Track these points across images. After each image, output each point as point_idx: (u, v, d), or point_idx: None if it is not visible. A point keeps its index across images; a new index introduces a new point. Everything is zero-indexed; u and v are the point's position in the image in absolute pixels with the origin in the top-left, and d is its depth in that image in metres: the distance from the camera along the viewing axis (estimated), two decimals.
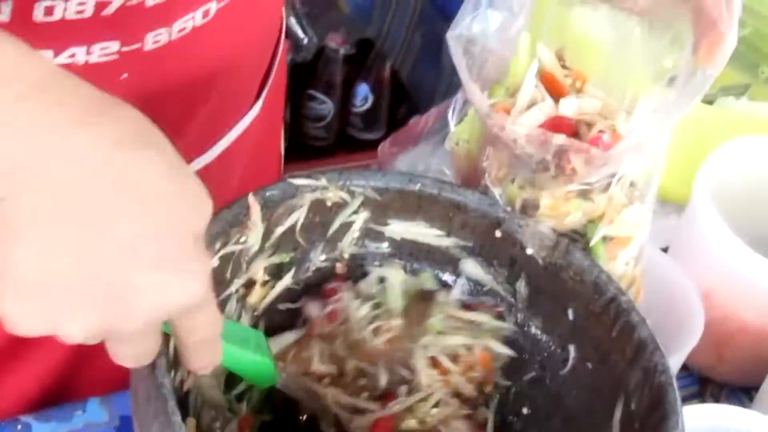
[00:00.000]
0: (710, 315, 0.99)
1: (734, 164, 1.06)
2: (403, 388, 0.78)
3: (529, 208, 0.76)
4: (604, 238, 0.77)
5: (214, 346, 0.61)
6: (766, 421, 0.89)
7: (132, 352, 0.57)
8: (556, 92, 0.77)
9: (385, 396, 0.78)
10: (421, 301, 0.79)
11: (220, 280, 0.71)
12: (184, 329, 0.58)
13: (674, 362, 0.91)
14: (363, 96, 2.25)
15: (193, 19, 0.83)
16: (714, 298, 1.01)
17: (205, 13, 0.84)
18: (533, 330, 0.79)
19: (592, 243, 0.76)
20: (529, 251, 0.78)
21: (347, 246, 0.78)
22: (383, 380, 0.77)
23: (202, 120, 0.93)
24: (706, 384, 1.08)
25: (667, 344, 0.76)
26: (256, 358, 0.69)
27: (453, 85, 1.42)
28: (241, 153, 1.00)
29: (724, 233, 0.99)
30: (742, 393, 1.06)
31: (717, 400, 1.05)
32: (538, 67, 0.77)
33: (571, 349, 0.78)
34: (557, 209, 0.76)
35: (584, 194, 0.76)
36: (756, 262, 0.98)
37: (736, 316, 1.02)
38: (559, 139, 0.73)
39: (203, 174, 0.93)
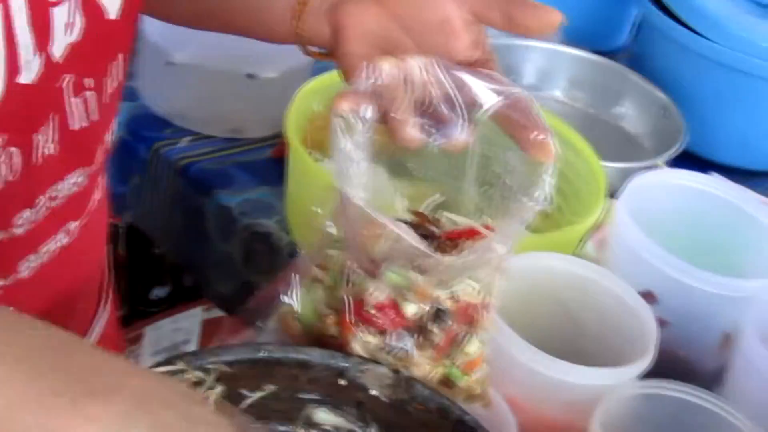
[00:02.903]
0: (518, 418, 1.08)
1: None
2: None
3: None
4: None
5: None
6: None
7: None
8: None
9: None
10: None
11: None
12: None
13: None
14: None
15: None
16: (519, 404, 1.10)
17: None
18: None
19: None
20: (373, 392, 0.84)
21: None
22: None
23: None
24: None
25: None
26: None
27: (219, 254, 1.48)
28: None
29: (518, 343, 1.09)
30: None
31: None
32: None
33: None
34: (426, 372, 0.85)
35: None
36: (553, 365, 1.08)
37: (543, 416, 1.12)
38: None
39: None
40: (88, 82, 0.86)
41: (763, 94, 1.70)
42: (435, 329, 0.84)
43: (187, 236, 1.52)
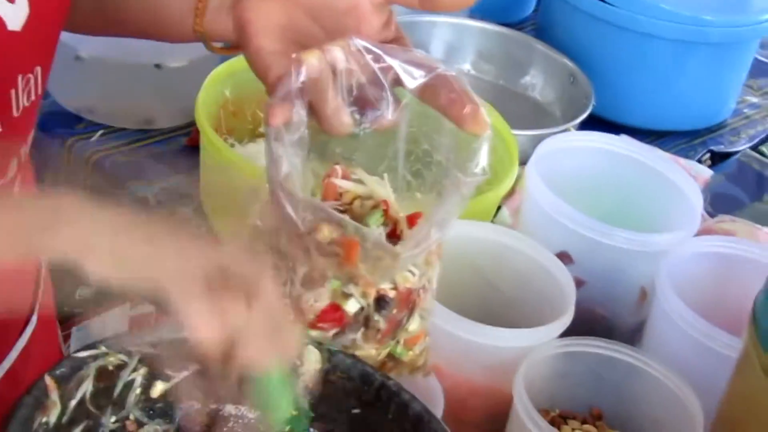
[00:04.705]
0: (443, 385, 1.10)
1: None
2: None
3: None
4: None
5: None
6: None
7: None
8: None
9: None
10: None
11: None
12: None
13: None
14: None
15: None
16: (443, 370, 1.12)
17: None
18: None
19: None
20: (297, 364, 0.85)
21: (132, 403, 0.83)
22: None
23: None
24: None
25: None
26: None
27: None
28: (27, 368, 1.02)
29: (439, 310, 1.10)
30: None
31: None
32: None
33: None
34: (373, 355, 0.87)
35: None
36: (474, 329, 1.10)
37: (466, 382, 1.14)
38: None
39: None
40: None
41: (665, 55, 1.73)
42: (378, 317, 0.85)
43: None
